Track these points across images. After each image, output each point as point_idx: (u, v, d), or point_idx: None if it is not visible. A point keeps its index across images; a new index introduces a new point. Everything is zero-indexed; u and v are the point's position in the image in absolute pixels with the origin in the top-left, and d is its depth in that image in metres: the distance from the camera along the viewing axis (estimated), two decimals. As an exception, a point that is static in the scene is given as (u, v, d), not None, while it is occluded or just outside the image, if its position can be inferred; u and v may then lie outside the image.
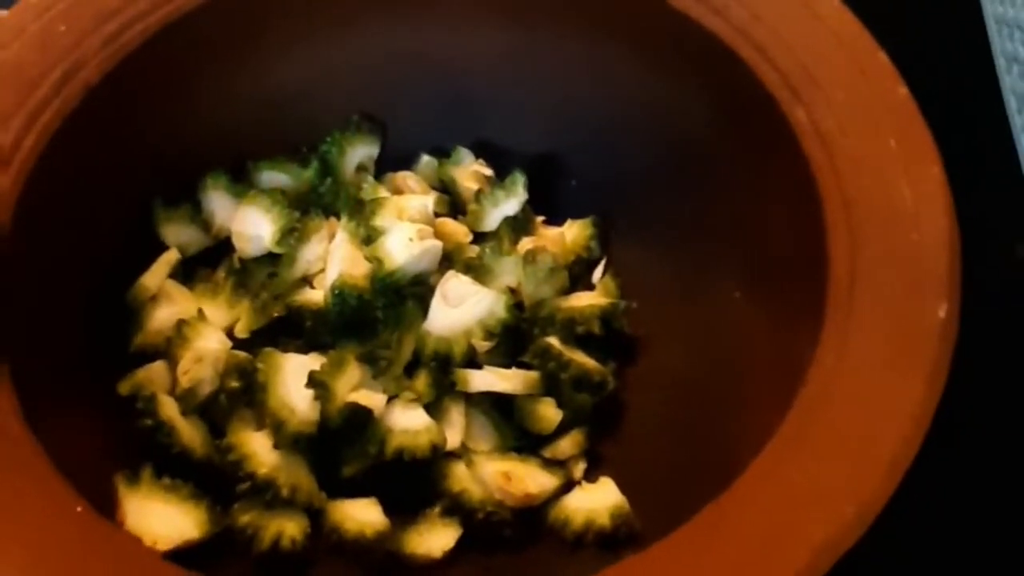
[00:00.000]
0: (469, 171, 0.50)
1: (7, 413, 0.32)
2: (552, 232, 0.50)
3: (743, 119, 0.42)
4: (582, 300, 0.47)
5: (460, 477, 0.43)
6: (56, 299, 0.39)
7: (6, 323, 0.34)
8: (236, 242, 0.47)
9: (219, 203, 0.47)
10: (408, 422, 0.42)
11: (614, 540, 0.42)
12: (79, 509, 0.30)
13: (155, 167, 0.45)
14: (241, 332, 0.45)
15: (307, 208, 0.48)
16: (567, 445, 0.45)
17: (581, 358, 0.45)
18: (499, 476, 0.42)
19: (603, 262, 0.50)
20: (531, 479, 0.43)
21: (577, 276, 0.50)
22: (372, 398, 0.42)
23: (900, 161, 0.37)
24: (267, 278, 0.46)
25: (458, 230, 0.48)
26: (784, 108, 0.39)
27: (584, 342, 0.46)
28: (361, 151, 0.51)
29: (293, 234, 0.46)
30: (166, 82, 0.43)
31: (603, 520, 0.42)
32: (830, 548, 0.29)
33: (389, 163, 0.52)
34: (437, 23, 0.49)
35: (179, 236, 0.47)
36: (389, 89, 0.51)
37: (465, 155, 0.51)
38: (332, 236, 0.47)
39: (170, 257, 0.45)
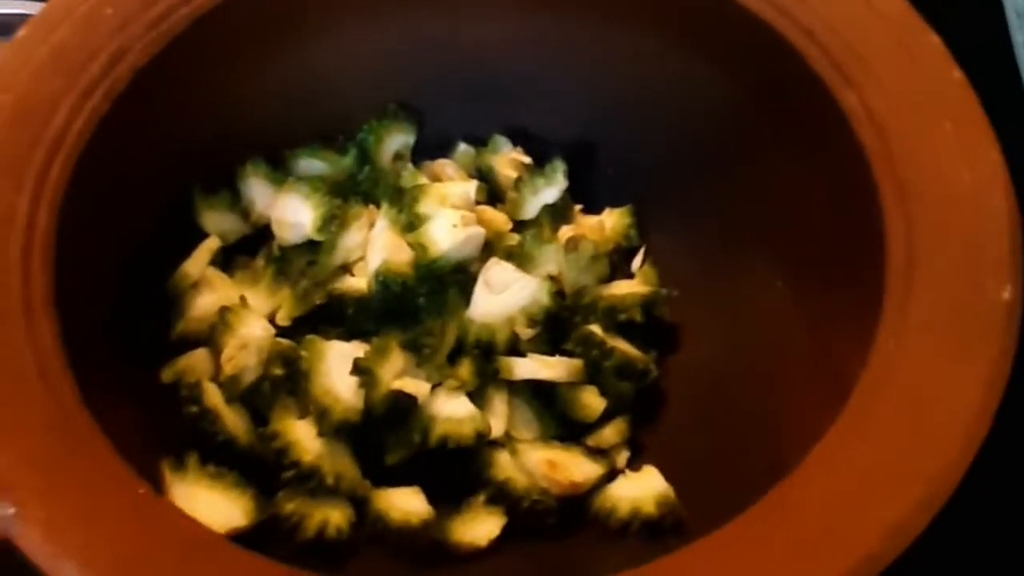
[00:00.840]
0: (507, 159, 0.50)
1: (69, 399, 0.31)
2: (591, 220, 0.50)
3: (790, 104, 0.41)
4: (623, 288, 0.47)
5: (504, 466, 0.43)
6: (98, 286, 0.38)
7: (60, 311, 0.34)
8: (276, 229, 0.47)
9: (258, 191, 0.47)
10: (452, 410, 0.42)
11: (660, 529, 0.42)
12: (141, 491, 0.30)
13: (195, 153, 0.44)
14: (283, 320, 0.45)
15: (346, 196, 0.47)
16: (610, 433, 0.45)
17: (623, 346, 0.45)
18: (544, 464, 0.42)
19: (642, 250, 0.50)
20: (576, 467, 0.43)
21: (616, 264, 0.50)
22: (416, 385, 0.42)
23: (956, 144, 0.36)
24: (306, 266, 0.46)
25: (497, 218, 0.48)
26: (834, 92, 0.39)
27: (625, 330, 0.46)
28: (398, 139, 0.50)
29: (334, 221, 0.46)
30: (209, 67, 0.43)
31: (649, 508, 0.41)
32: (901, 531, 0.29)
33: (424, 151, 0.52)
34: (470, 9, 0.48)
35: (218, 223, 0.47)
36: (423, 76, 0.50)
37: (503, 143, 0.51)
38: (372, 224, 0.47)
39: (211, 244, 0.45)
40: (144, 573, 0.27)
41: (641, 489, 0.42)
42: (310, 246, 0.47)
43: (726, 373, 0.46)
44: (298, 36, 0.45)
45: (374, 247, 0.45)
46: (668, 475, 0.43)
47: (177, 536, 0.29)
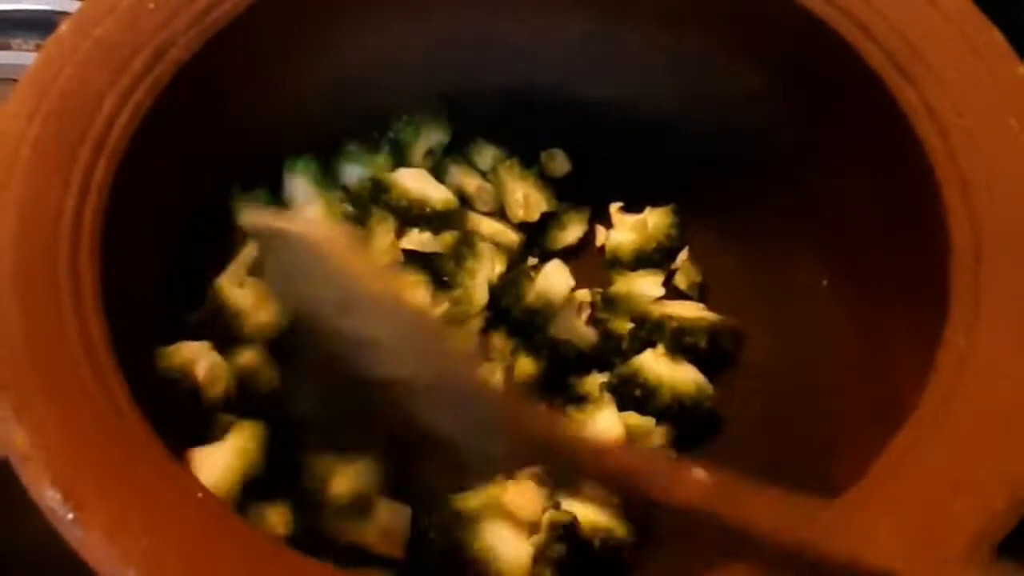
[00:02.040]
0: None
1: (122, 400, 0.30)
2: (632, 219, 0.49)
3: (846, 102, 0.41)
4: (689, 311, 0.46)
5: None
6: (141, 284, 0.38)
7: (107, 310, 0.33)
8: None
9: (301, 190, 0.46)
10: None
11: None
12: (200, 495, 0.29)
13: (235, 149, 0.43)
14: None
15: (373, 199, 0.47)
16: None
17: (680, 379, 0.45)
18: None
19: (685, 249, 0.49)
20: None
21: (658, 263, 0.49)
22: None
23: (1022, 141, 0.36)
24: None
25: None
26: (893, 89, 0.38)
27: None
28: (433, 137, 0.49)
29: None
30: (250, 63, 0.42)
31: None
32: (985, 536, 0.28)
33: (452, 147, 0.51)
34: (510, 7, 0.48)
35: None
36: (460, 74, 0.50)
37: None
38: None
39: (246, 257, 0.44)
40: (210, 578, 0.27)
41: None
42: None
43: (776, 377, 0.46)
44: (337, 34, 0.45)
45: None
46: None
47: (239, 542, 0.28)
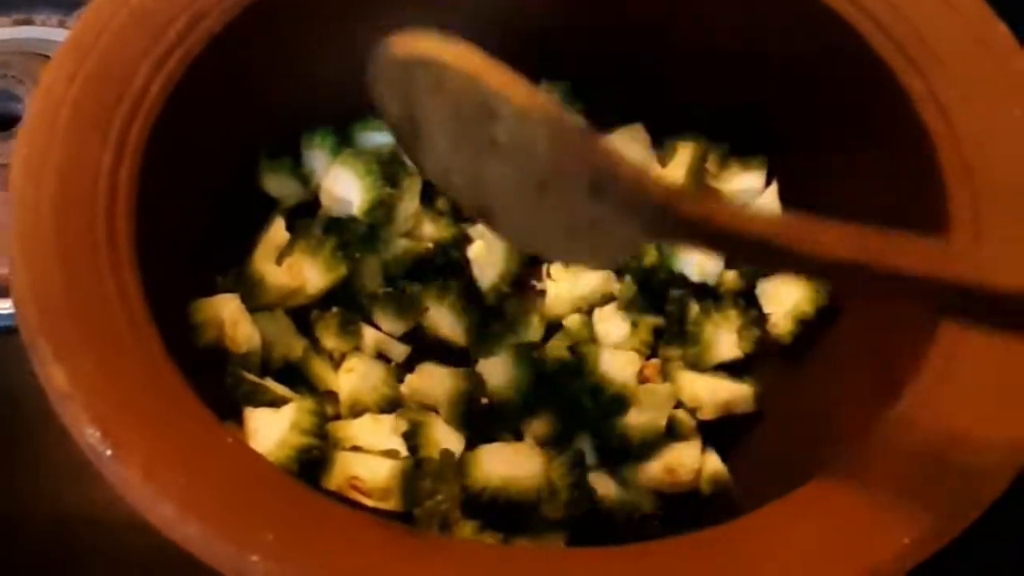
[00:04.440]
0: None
1: (157, 351, 0.32)
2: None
3: (854, 90, 0.42)
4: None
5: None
6: (173, 243, 0.39)
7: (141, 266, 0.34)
8: (323, 199, 0.47)
9: (320, 162, 0.47)
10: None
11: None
12: (230, 440, 0.30)
13: (264, 117, 0.45)
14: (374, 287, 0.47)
15: (399, 167, 0.48)
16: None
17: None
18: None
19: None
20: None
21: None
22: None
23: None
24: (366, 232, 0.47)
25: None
26: (899, 76, 0.39)
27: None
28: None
29: (382, 208, 0.47)
30: (281, 34, 0.43)
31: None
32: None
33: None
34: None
35: (280, 188, 0.47)
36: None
37: None
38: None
39: (277, 233, 0.45)
40: (242, 514, 0.28)
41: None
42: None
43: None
44: (368, 5, 0.45)
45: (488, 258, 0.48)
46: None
47: (274, 484, 0.29)
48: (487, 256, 0.49)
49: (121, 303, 0.33)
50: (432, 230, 0.49)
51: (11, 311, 0.50)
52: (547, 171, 0.28)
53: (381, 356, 0.46)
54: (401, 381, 0.45)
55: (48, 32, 0.64)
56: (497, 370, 0.44)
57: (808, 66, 0.44)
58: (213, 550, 0.27)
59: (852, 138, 0.44)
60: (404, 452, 0.41)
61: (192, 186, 0.41)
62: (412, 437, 0.42)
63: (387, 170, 0.48)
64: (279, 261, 0.45)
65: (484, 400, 0.44)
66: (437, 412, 0.44)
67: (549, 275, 0.50)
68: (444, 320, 0.47)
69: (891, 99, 0.40)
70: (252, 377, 0.42)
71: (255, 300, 0.44)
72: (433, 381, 0.45)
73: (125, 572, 0.46)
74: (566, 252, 0.34)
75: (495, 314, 0.49)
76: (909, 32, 0.40)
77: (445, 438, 0.42)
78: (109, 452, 0.28)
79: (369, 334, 0.46)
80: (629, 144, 0.50)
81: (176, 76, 0.39)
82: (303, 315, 0.46)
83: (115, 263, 0.33)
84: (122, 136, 0.36)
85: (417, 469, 0.40)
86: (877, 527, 0.30)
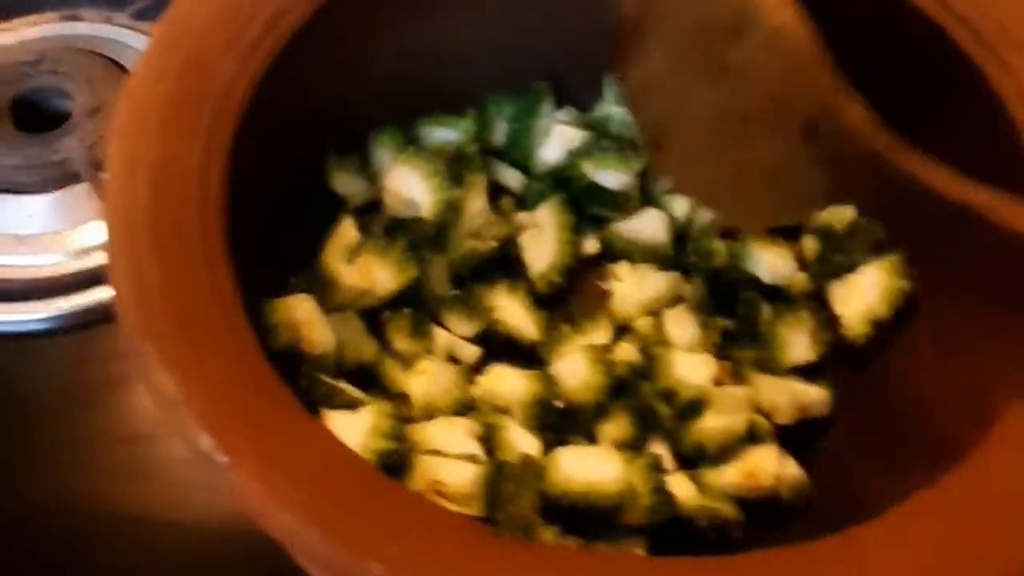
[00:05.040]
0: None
1: (254, 353, 0.31)
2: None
3: (941, 91, 0.41)
4: None
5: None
6: (256, 239, 0.39)
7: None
8: (387, 199, 0.47)
9: (388, 160, 0.47)
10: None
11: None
12: (335, 443, 0.30)
13: (334, 113, 0.44)
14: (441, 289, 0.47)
15: (465, 164, 0.48)
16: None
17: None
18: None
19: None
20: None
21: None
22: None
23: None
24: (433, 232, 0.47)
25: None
26: (990, 77, 0.39)
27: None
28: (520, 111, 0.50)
29: (451, 209, 0.46)
30: (356, 30, 0.43)
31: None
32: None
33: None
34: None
35: (347, 186, 0.47)
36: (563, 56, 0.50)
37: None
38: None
39: (347, 231, 0.45)
40: (362, 523, 0.27)
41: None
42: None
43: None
44: (436, 7, 0.45)
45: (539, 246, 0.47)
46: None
47: (386, 491, 0.29)
48: (536, 245, 0.48)
49: (218, 304, 0.32)
50: (497, 229, 0.48)
51: (17, 317, 0.51)
52: (768, 102, 0.27)
53: (452, 358, 0.46)
54: (472, 383, 0.45)
55: (95, 28, 0.64)
56: (570, 371, 0.44)
57: (890, 65, 0.44)
58: (332, 560, 0.27)
59: (939, 140, 0.43)
60: (483, 456, 0.41)
61: (271, 185, 0.40)
62: (487, 440, 0.42)
63: (452, 169, 0.47)
64: (349, 262, 0.45)
65: (557, 403, 0.44)
66: (510, 415, 0.43)
67: (615, 275, 0.49)
68: (514, 318, 0.46)
69: (981, 99, 0.39)
70: (328, 379, 0.41)
71: (327, 301, 0.43)
72: (505, 383, 0.44)
73: (135, 569, 0.46)
74: (730, 201, 0.32)
75: (563, 316, 0.48)
76: (993, 26, 0.40)
77: (520, 441, 0.42)
78: (226, 460, 0.28)
79: (440, 336, 0.46)
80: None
81: (259, 74, 0.38)
82: (374, 317, 0.45)
83: (210, 263, 0.33)
84: (211, 134, 0.36)
85: (499, 473, 0.39)
86: (998, 537, 0.29)
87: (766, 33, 0.26)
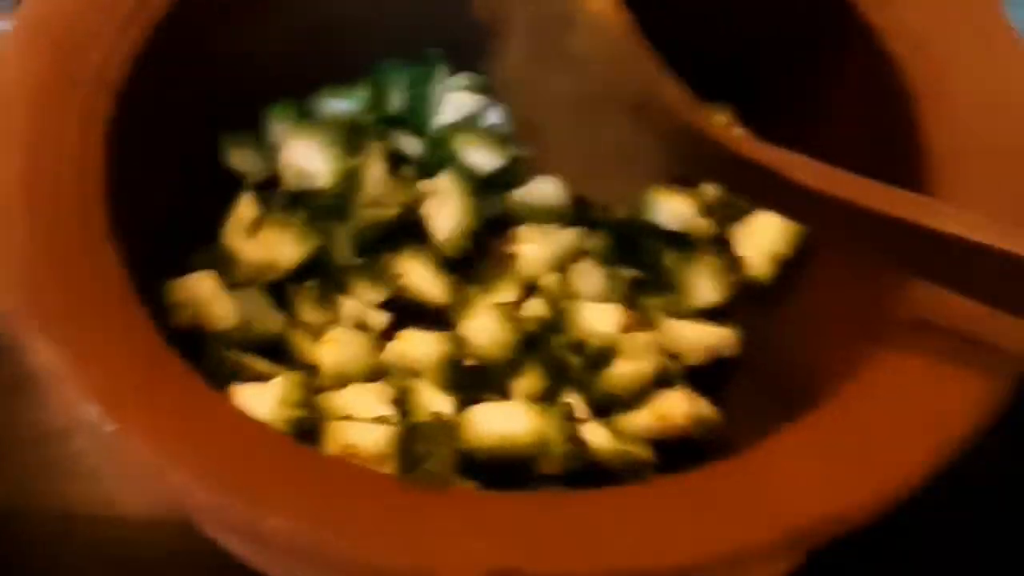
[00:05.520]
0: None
1: (143, 327, 0.31)
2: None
3: (814, 26, 0.42)
4: None
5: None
6: (144, 220, 0.38)
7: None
8: (285, 173, 0.46)
9: (283, 134, 0.47)
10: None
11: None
12: (228, 404, 0.29)
13: (224, 88, 0.44)
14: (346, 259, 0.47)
15: (363, 134, 0.48)
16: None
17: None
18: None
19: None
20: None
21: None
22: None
23: (988, 53, 0.38)
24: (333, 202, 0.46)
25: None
26: (866, 10, 0.40)
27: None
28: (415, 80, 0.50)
29: (349, 177, 0.46)
30: (236, 5, 0.42)
31: None
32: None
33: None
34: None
35: (244, 163, 0.47)
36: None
37: None
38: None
39: (246, 210, 0.45)
40: (256, 477, 0.27)
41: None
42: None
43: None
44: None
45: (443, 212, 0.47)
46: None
47: (279, 445, 0.29)
48: (441, 211, 0.48)
49: (102, 280, 0.32)
50: (400, 195, 0.48)
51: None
52: (601, 84, 0.29)
53: (361, 326, 0.46)
54: (383, 350, 0.45)
55: None
56: (480, 330, 0.44)
57: (768, 8, 0.44)
58: (229, 515, 0.27)
59: (817, 78, 0.44)
60: (396, 418, 0.40)
61: (161, 163, 0.40)
62: (400, 403, 0.42)
63: (349, 138, 0.47)
64: (250, 236, 0.44)
65: (468, 361, 0.44)
66: (422, 377, 0.43)
67: (519, 238, 0.49)
68: (422, 281, 0.46)
69: (859, 33, 0.40)
70: (234, 354, 0.41)
71: (230, 277, 0.43)
72: (416, 346, 0.44)
73: (71, 568, 0.45)
74: (591, 180, 0.34)
75: (470, 279, 0.48)
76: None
77: (433, 402, 0.42)
78: (112, 427, 0.27)
79: (347, 304, 0.46)
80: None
81: (135, 53, 0.38)
82: (279, 291, 0.45)
83: (89, 239, 0.33)
84: (87, 110, 0.35)
85: (410, 433, 0.39)
86: (885, 446, 0.30)
87: (587, 21, 0.28)
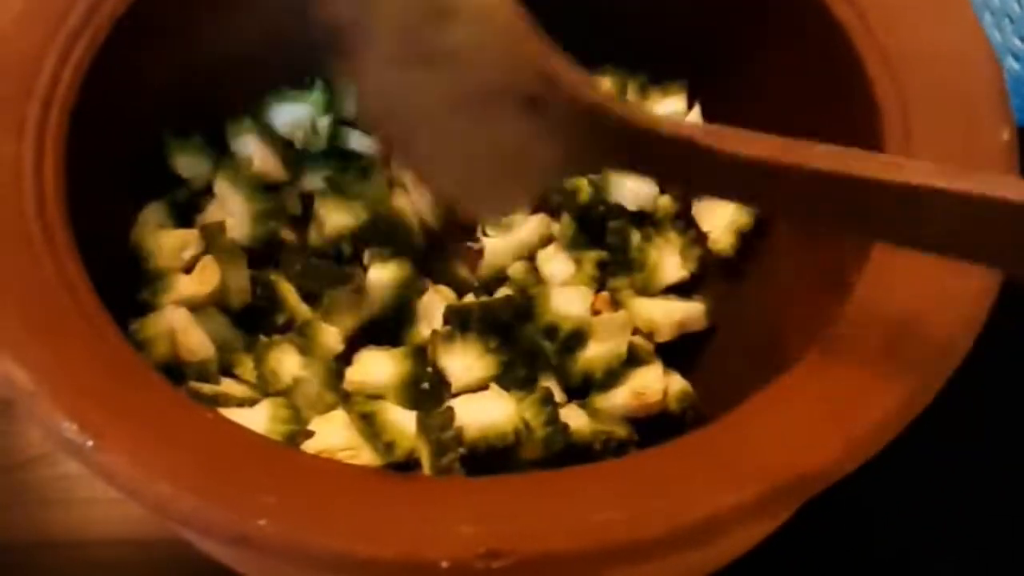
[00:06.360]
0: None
1: (112, 335, 0.31)
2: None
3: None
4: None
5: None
6: (103, 228, 0.38)
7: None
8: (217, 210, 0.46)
9: (243, 146, 0.47)
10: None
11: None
12: (210, 415, 0.29)
13: (174, 97, 0.44)
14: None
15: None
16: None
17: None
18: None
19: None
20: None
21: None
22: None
23: (933, 10, 0.38)
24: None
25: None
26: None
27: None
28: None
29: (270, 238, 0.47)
30: (182, 14, 0.42)
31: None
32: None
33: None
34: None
35: (190, 167, 0.46)
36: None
37: None
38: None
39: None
40: (238, 482, 0.27)
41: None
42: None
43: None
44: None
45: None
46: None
47: (261, 450, 0.29)
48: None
49: (68, 294, 0.32)
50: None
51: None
52: (490, 78, 0.27)
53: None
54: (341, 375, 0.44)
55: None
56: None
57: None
58: (214, 521, 0.26)
59: (766, 48, 0.44)
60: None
61: (113, 173, 0.40)
62: (369, 425, 0.41)
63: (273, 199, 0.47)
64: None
65: (429, 369, 0.43)
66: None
67: (483, 232, 0.50)
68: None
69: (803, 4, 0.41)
70: (210, 388, 0.41)
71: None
72: (375, 367, 0.44)
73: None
74: (487, 188, 0.32)
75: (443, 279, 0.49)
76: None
77: (401, 418, 0.41)
78: (91, 443, 0.27)
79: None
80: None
81: (84, 64, 0.37)
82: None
83: (54, 255, 0.32)
84: (39, 130, 0.35)
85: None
86: (850, 404, 0.31)
87: (470, 12, 0.26)
